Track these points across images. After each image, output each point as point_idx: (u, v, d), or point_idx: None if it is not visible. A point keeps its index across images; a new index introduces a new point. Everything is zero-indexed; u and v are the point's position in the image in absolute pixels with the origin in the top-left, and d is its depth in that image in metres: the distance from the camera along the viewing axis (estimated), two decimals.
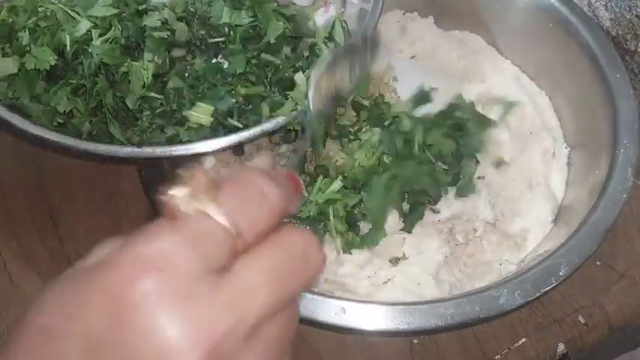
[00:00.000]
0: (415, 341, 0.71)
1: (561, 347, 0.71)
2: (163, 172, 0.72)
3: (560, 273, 0.66)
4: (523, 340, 0.71)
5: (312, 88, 0.57)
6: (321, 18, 0.80)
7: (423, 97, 0.82)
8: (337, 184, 0.72)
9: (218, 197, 0.30)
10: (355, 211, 0.73)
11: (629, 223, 0.78)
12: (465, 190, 0.77)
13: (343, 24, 0.78)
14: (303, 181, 0.75)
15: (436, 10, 0.93)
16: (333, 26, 0.78)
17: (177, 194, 0.30)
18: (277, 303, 0.30)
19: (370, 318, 0.63)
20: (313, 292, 0.64)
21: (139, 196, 0.78)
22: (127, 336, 0.26)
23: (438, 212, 0.76)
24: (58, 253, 0.76)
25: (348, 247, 0.73)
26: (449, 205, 0.76)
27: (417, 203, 0.75)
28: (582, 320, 0.72)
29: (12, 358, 0.28)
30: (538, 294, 0.65)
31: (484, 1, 0.90)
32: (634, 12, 0.82)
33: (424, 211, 0.75)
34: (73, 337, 0.27)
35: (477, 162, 0.79)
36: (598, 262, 0.75)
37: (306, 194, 0.73)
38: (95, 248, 0.30)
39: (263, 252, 0.30)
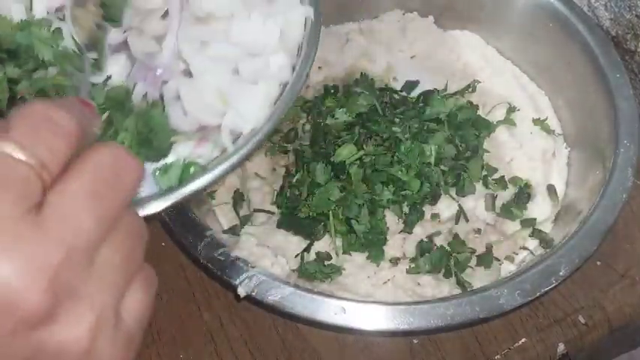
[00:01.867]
0: (415, 341, 0.71)
1: (561, 347, 0.71)
2: None
3: (560, 273, 0.66)
4: (523, 340, 0.71)
5: (70, 21, 0.54)
6: None
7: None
8: (336, 192, 0.72)
9: (10, 135, 0.29)
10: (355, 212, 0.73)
11: (629, 223, 0.78)
12: (465, 190, 0.77)
13: None
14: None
15: (436, 10, 0.93)
16: None
17: None
18: (104, 221, 0.29)
19: (370, 318, 0.63)
20: (313, 292, 0.64)
21: None
22: None
23: (438, 213, 0.76)
24: None
25: (348, 248, 0.73)
26: (449, 205, 0.76)
27: (414, 204, 0.75)
28: (582, 320, 0.72)
29: None
30: (538, 294, 0.65)
31: (484, 1, 0.90)
32: (634, 12, 0.82)
33: (424, 211, 0.75)
34: None
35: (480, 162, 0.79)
36: (598, 262, 0.75)
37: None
38: None
39: (72, 175, 0.29)
